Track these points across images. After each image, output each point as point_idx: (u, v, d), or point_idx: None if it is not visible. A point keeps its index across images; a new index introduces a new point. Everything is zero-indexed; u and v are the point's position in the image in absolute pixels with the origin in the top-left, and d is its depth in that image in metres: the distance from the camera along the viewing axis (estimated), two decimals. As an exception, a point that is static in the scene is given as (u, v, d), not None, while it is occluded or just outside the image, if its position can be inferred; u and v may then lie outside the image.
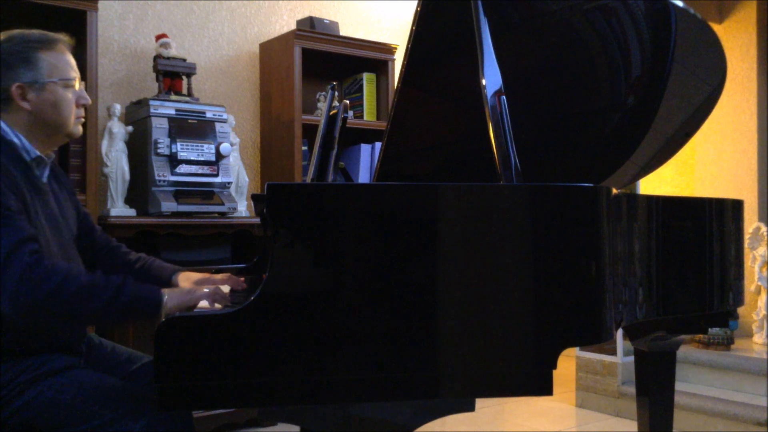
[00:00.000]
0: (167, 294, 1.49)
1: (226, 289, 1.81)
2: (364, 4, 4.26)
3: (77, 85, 1.69)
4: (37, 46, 1.63)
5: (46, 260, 1.41)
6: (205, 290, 1.58)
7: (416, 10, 1.96)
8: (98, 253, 1.86)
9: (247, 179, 3.49)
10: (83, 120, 1.75)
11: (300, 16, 3.93)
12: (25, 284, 1.37)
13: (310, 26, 3.74)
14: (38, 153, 1.65)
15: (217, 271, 1.99)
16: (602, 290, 1.47)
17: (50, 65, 1.63)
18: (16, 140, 1.62)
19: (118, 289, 1.43)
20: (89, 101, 1.74)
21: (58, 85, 1.64)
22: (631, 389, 3.29)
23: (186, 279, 1.82)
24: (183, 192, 3.11)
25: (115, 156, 3.10)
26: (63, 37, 1.69)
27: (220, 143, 3.19)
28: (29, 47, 1.62)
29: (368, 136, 3.86)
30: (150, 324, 1.45)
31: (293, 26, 3.90)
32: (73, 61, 1.69)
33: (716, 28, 4.21)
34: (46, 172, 1.70)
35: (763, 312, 3.88)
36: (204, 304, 1.62)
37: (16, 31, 1.65)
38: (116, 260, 1.86)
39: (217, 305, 1.57)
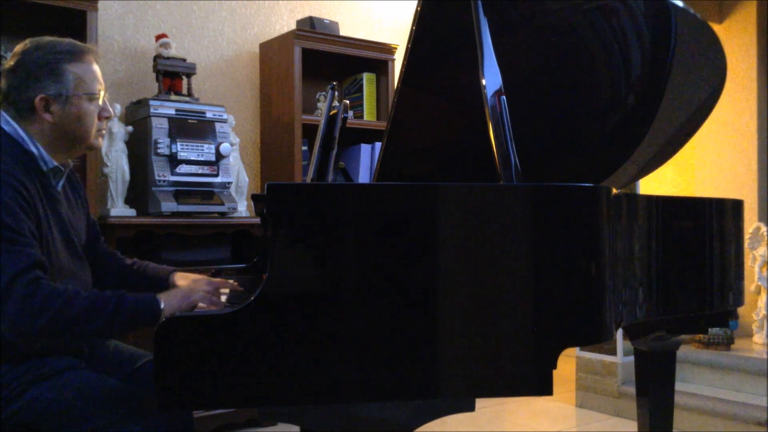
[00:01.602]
0: (164, 301, 1.50)
1: (224, 291, 1.81)
2: (364, 4, 4.26)
3: (101, 97, 1.68)
4: (65, 58, 1.61)
5: (44, 286, 1.40)
6: (200, 294, 1.58)
7: (416, 10, 1.96)
8: (100, 260, 1.87)
9: (247, 179, 3.49)
10: (104, 132, 1.75)
11: (300, 16, 3.93)
12: (24, 314, 1.38)
13: (310, 26, 3.74)
14: (56, 163, 1.64)
15: (216, 272, 1.99)
16: (602, 290, 1.47)
17: (77, 78, 1.62)
18: (34, 150, 1.61)
19: (117, 305, 1.44)
20: (112, 114, 1.73)
21: (83, 99, 1.63)
22: (631, 389, 3.29)
23: (182, 279, 1.82)
24: (183, 192, 3.11)
25: (115, 156, 3.10)
26: (92, 48, 1.68)
27: (220, 143, 3.19)
28: (57, 59, 1.61)
29: (368, 136, 3.86)
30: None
31: (293, 26, 3.90)
32: (99, 72, 1.68)
33: (716, 28, 4.20)
34: (62, 182, 1.70)
35: (763, 312, 3.87)
36: (202, 306, 1.62)
37: (45, 40, 1.64)
38: (114, 265, 1.88)
39: (212, 308, 1.58)
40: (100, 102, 1.68)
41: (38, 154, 1.62)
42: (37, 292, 1.39)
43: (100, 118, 1.69)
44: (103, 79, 1.72)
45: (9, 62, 1.63)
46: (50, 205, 1.62)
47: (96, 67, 1.68)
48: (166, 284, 1.81)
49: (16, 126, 1.61)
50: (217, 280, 1.79)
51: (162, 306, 1.48)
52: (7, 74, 1.62)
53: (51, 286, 1.42)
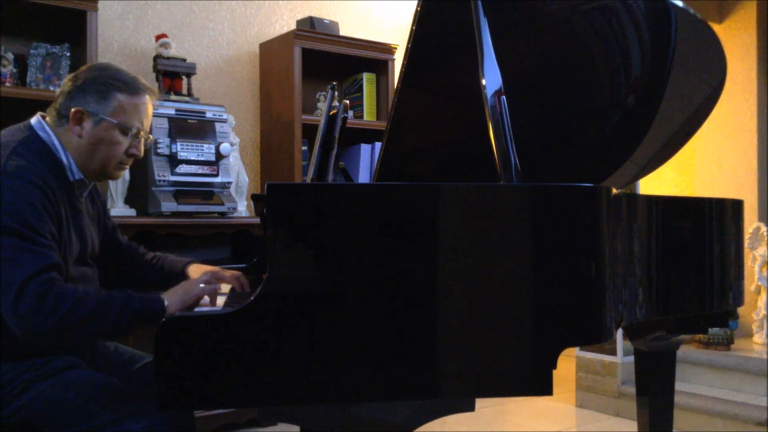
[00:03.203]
0: (167, 299, 1.53)
1: (226, 288, 1.83)
2: (364, 4, 4.26)
3: (138, 135, 1.70)
4: (118, 86, 1.65)
5: (56, 287, 1.43)
6: (201, 286, 1.61)
7: (416, 10, 1.96)
8: (122, 263, 1.93)
9: (247, 179, 3.49)
10: (126, 167, 1.77)
11: (300, 16, 3.93)
12: (36, 314, 1.40)
13: (310, 26, 3.74)
14: (82, 176, 1.67)
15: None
16: (602, 290, 1.47)
17: (119, 107, 1.65)
18: (64, 160, 1.64)
19: (123, 306, 1.47)
20: (140, 155, 1.75)
21: (116, 128, 1.66)
22: (631, 389, 3.29)
23: (196, 269, 1.87)
24: (183, 192, 3.11)
25: (115, 156, 3.10)
26: (151, 88, 1.72)
27: (220, 143, 3.19)
28: (110, 84, 1.65)
29: (368, 136, 3.86)
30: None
31: (293, 26, 3.90)
32: (148, 114, 1.71)
33: (716, 28, 4.21)
34: (85, 194, 1.73)
35: (763, 312, 3.87)
36: (206, 300, 1.64)
37: (114, 66, 1.70)
38: (136, 261, 1.93)
39: (219, 301, 1.61)
40: (135, 139, 1.70)
41: (67, 164, 1.65)
42: (49, 293, 1.41)
43: (127, 153, 1.70)
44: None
45: (77, 71, 1.69)
46: (73, 215, 1.65)
47: (146, 108, 1.70)
48: (181, 277, 1.86)
49: (51, 134, 1.64)
50: (231, 272, 1.84)
51: (166, 304, 1.52)
52: (69, 80, 1.67)
53: (62, 287, 1.45)
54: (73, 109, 1.63)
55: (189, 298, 1.57)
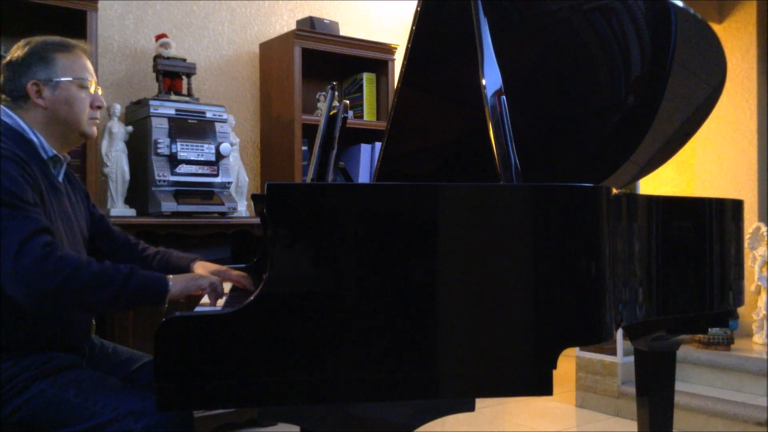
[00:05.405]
0: (171, 280, 1.55)
1: (227, 287, 1.83)
2: (364, 4, 4.26)
3: (92, 87, 1.74)
4: (54, 48, 1.70)
5: (58, 251, 1.45)
6: (207, 280, 1.63)
7: (416, 10, 1.96)
8: (118, 253, 1.91)
9: (247, 179, 3.49)
10: (98, 121, 1.79)
11: (300, 16, 3.93)
12: (38, 275, 1.41)
13: (310, 26, 3.74)
14: (55, 152, 1.69)
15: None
16: (602, 290, 1.47)
17: (65, 65, 1.69)
18: (34, 139, 1.67)
19: (127, 278, 1.48)
20: (104, 104, 1.79)
21: (73, 84, 1.70)
22: (631, 389, 3.29)
23: (202, 267, 1.86)
24: (183, 192, 3.11)
25: (115, 156, 3.10)
26: (80, 44, 1.76)
27: (220, 143, 3.19)
28: (46, 48, 1.69)
29: (368, 136, 3.86)
30: (151, 322, 1.46)
31: (293, 26, 3.90)
32: (90, 66, 1.76)
33: (716, 28, 4.21)
34: (62, 172, 1.74)
35: (763, 312, 3.87)
36: (204, 299, 1.64)
37: (36, 37, 1.73)
38: (135, 257, 1.91)
39: (219, 301, 1.62)
40: (92, 91, 1.73)
41: (38, 143, 1.67)
42: (52, 255, 1.43)
43: (92, 106, 1.74)
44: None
45: (5, 59, 1.71)
46: (54, 195, 1.66)
47: (86, 61, 1.75)
48: (186, 272, 1.84)
49: (15, 117, 1.67)
50: (237, 272, 1.85)
51: (170, 284, 1.54)
52: (4, 68, 1.70)
53: (64, 251, 1.47)
54: (28, 85, 1.66)
55: (193, 284, 1.59)
